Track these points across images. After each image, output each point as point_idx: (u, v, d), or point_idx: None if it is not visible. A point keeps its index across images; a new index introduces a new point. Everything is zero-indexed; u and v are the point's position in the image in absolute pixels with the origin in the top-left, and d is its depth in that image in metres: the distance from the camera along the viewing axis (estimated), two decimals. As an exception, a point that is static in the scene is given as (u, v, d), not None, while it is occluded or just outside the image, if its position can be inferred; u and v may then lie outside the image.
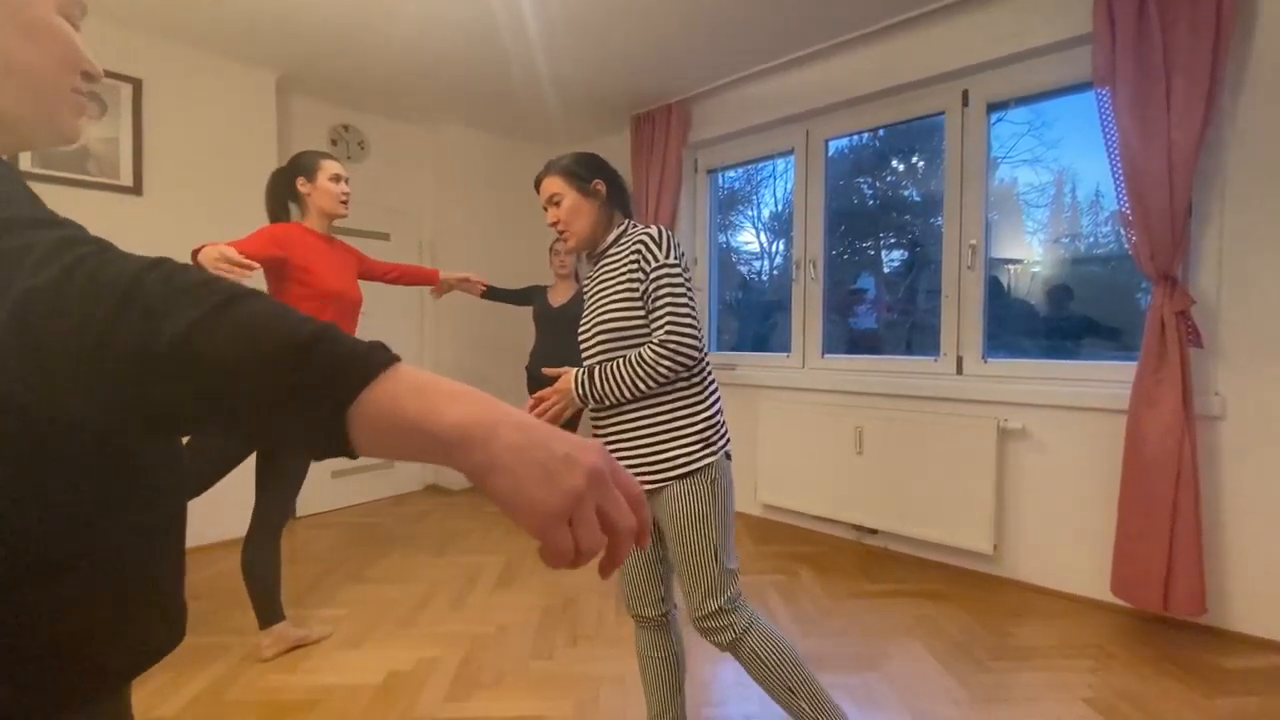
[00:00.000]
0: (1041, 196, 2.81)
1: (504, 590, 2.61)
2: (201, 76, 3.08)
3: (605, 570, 0.46)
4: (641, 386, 1.29)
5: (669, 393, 1.33)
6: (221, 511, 3.12)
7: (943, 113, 2.87)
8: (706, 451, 1.32)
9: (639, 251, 1.32)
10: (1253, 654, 2.04)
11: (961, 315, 2.81)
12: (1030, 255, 2.86)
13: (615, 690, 1.88)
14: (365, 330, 3.86)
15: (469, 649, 2.12)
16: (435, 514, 3.70)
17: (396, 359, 0.40)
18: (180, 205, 3.02)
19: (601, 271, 1.41)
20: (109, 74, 2.79)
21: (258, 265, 1.72)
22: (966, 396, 2.70)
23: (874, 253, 3.49)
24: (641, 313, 1.32)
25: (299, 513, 3.58)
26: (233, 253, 1.64)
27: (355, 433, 0.38)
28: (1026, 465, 2.57)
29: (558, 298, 3.37)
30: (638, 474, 1.33)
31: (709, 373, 1.39)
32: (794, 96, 3.24)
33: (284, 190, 2.07)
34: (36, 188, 2.57)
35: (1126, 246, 2.21)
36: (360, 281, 2.25)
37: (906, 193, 3.37)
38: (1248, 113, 2.08)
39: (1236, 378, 2.13)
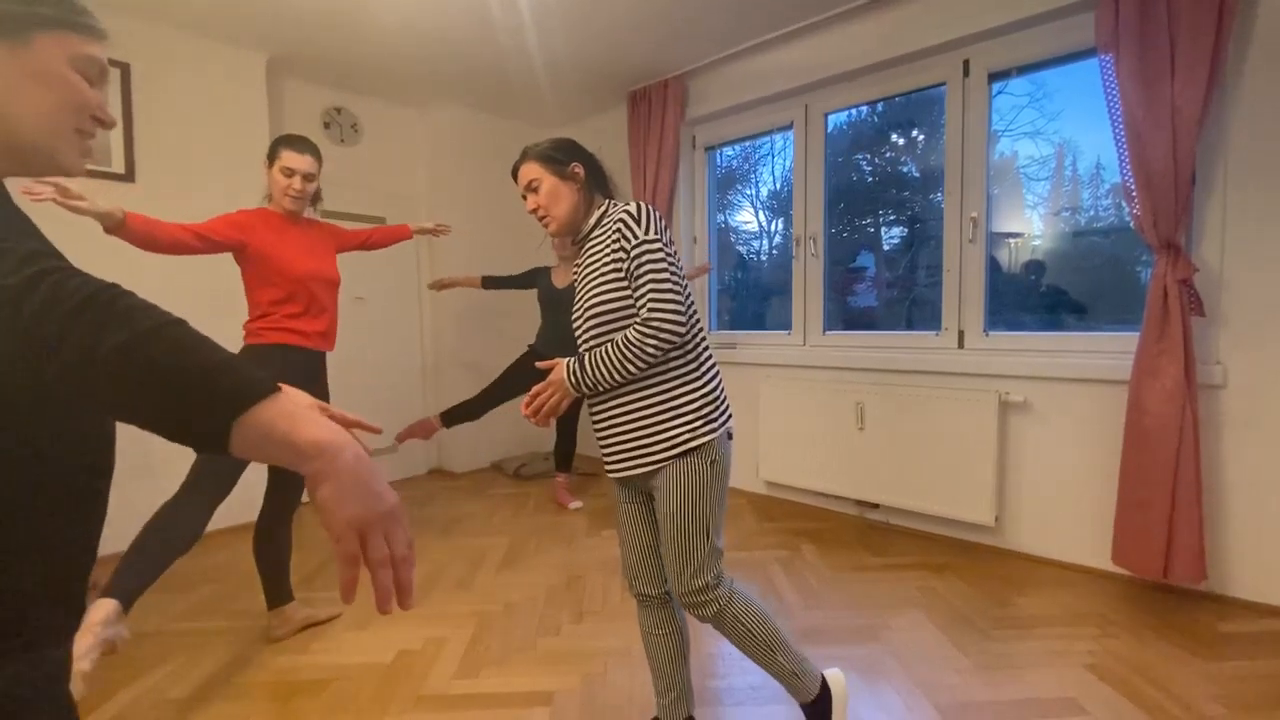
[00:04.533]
0: (1042, 169, 2.78)
1: (509, 570, 2.63)
2: (190, 59, 3.03)
3: (381, 604, 0.56)
4: (631, 369, 1.27)
5: (665, 372, 1.31)
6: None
7: (943, 84, 2.83)
8: (708, 428, 1.31)
9: (619, 231, 1.30)
10: (1252, 619, 2.06)
11: (963, 289, 2.80)
12: (1030, 229, 2.84)
13: (622, 664, 1.90)
14: (365, 318, 3.85)
15: (477, 628, 2.14)
16: (440, 497, 3.72)
17: (279, 389, 0.53)
18: (174, 191, 2.99)
19: (587, 255, 1.39)
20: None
21: (85, 203, 1.65)
22: (968, 370, 2.69)
23: (873, 230, 3.46)
24: (629, 292, 1.30)
25: (306, 498, 3.60)
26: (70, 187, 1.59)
27: (235, 439, 0.50)
28: (1028, 437, 2.58)
29: (561, 279, 3.36)
30: (640, 456, 1.33)
31: (705, 348, 1.37)
32: (793, 69, 3.20)
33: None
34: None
35: (1128, 219, 2.19)
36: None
37: (906, 169, 3.33)
38: (1253, 78, 2.05)
39: (1238, 346, 2.13)
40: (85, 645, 1.43)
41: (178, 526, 1.77)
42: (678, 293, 1.26)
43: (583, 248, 1.43)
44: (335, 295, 2.15)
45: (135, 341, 0.48)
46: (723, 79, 3.50)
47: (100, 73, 0.68)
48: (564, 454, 3.54)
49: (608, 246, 1.32)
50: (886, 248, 3.40)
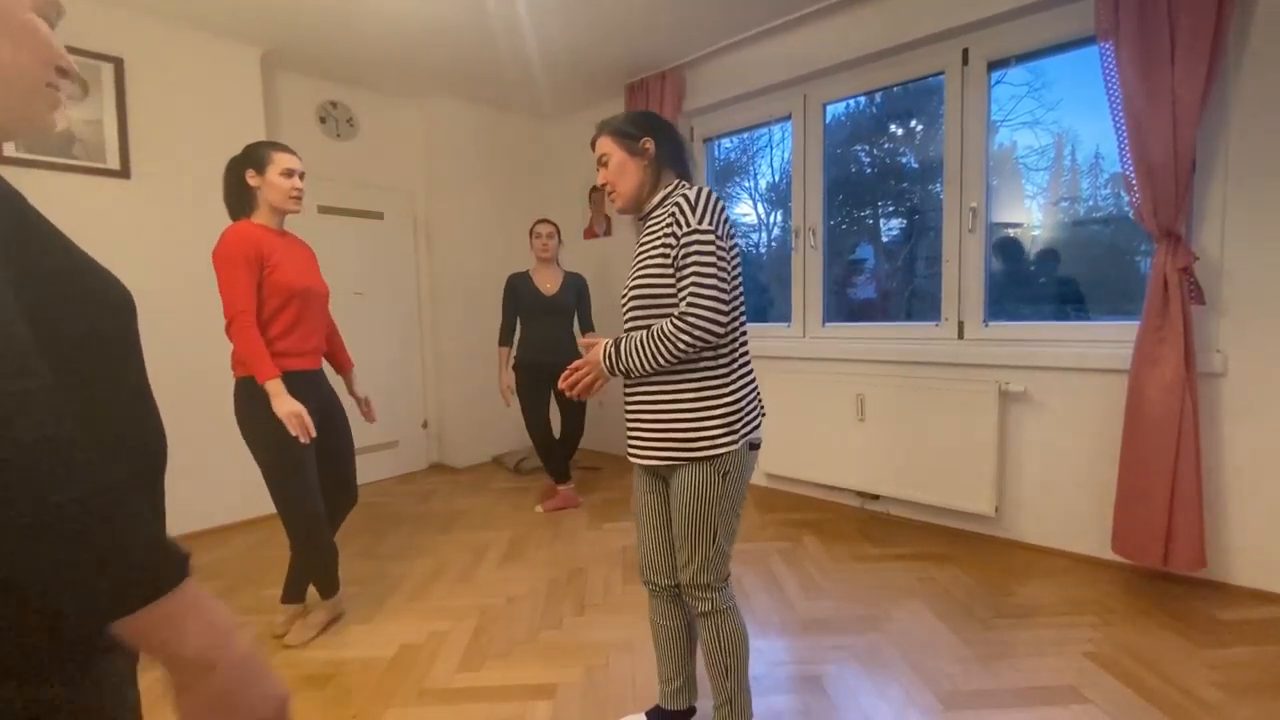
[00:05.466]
0: (1041, 159, 2.77)
1: (511, 564, 2.64)
2: (183, 54, 3.01)
3: None
4: (661, 360, 1.24)
5: (695, 372, 1.27)
6: (228, 494, 3.15)
7: (942, 73, 2.81)
8: (728, 439, 1.27)
9: (673, 215, 1.25)
10: (1251, 606, 2.07)
11: (962, 280, 2.80)
12: (1030, 219, 2.83)
13: (624, 655, 1.91)
14: (365, 315, 3.83)
15: (479, 621, 2.15)
16: (441, 492, 3.72)
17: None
18: (170, 188, 2.97)
19: (644, 234, 1.36)
20: (89, 53, 2.73)
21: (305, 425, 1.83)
22: (968, 361, 2.69)
23: (873, 221, 3.45)
24: (673, 280, 1.26)
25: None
26: (306, 422, 1.82)
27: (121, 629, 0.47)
28: (1028, 427, 2.58)
29: (547, 284, 3.25)
30: (658, 449, 1.32)
31: (743, 353, 1.34)
32: (791, 59, 3.18)
33: (239, 181, 1.97)
34: (22, 174, 2.51)
35: (1127, 208, 2.19)
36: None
37: (905, 160, 3.32)
38: (1254, 65, 2.04)
39: (1238, 334, 2.13)
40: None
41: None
42: (721, 290, 1.21)
43: (644, 225, 1.39)
44: (327, 309, 2.12)
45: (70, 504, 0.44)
46: (721, 70, 3.48)
47: (58, 14, 0.59)
48: (560, 466, 3.34)
49: (662, 227, 1.28)
50: (886, 239, 3.40)
